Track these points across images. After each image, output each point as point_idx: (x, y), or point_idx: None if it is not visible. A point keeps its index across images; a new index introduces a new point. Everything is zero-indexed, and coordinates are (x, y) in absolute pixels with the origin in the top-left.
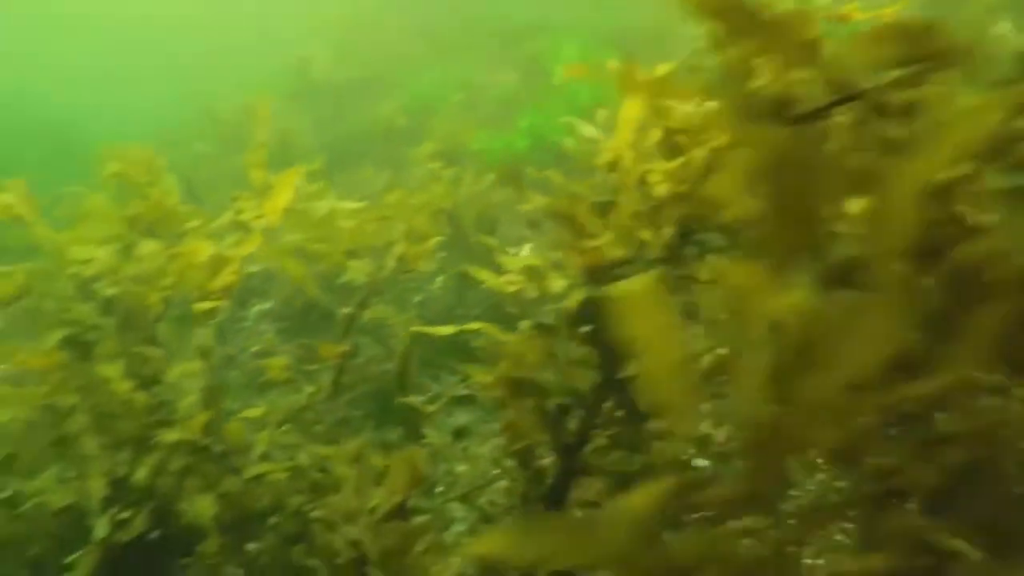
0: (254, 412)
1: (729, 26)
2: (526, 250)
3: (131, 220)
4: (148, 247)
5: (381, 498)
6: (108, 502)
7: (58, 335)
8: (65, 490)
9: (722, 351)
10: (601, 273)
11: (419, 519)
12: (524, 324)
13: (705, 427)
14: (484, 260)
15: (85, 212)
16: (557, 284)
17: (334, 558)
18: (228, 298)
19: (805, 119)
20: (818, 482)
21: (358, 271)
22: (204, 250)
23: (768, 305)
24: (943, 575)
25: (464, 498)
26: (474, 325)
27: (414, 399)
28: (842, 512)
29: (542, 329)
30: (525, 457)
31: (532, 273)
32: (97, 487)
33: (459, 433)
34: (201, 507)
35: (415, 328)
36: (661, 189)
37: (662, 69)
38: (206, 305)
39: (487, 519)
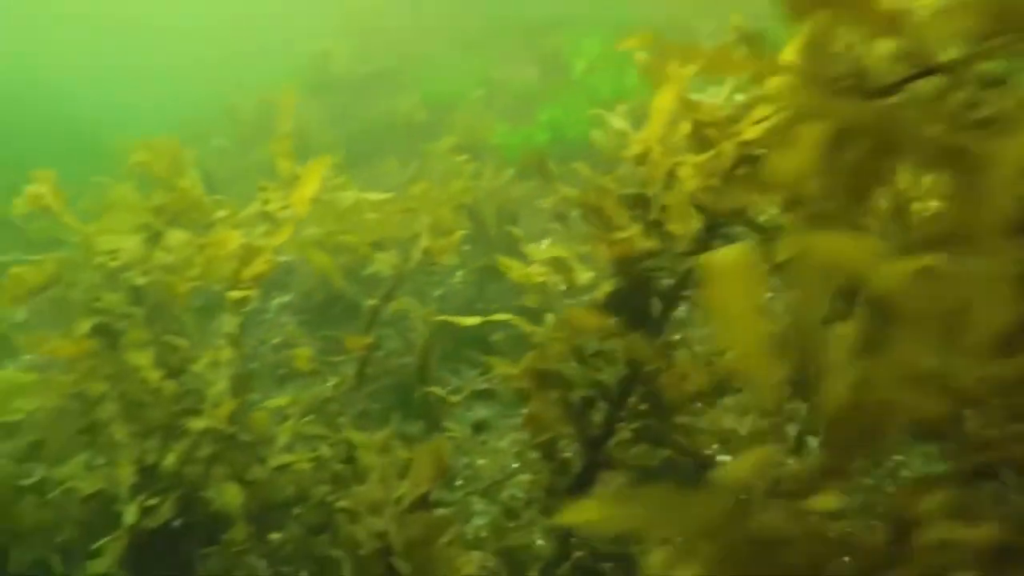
0: (279, 402)
1: None
2: (545, 245)
3: (158, 210)
4: (177, 237)
5: (406, 489)
6: (136, 489)
7: (88, 324)
8: (94, 477)
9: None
10: (629, 265)
11: (441, 512)
12: (549, 317)
13: (729, 421)
14: (505, 254)
15: (112, 202)
16: (584, 276)
17: (358, 549)
18: (258, 287)
19: (885, 92)
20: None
21: (384, 263)
22: (233, 240)
23: (872, 274)
24: None
25: (485, 492)
26: (500, 316)
27: (439, 390)
28: (934, 486)
29: (568, 321)
30: (549, 450)
31: (558, 265)
32: (126, 474)
33: (479, 427)
34: (229, 495)
35: (440, 318)
36: (690, 182)
37: (714, 45)
38: (237, 294)
39: (510, 513)
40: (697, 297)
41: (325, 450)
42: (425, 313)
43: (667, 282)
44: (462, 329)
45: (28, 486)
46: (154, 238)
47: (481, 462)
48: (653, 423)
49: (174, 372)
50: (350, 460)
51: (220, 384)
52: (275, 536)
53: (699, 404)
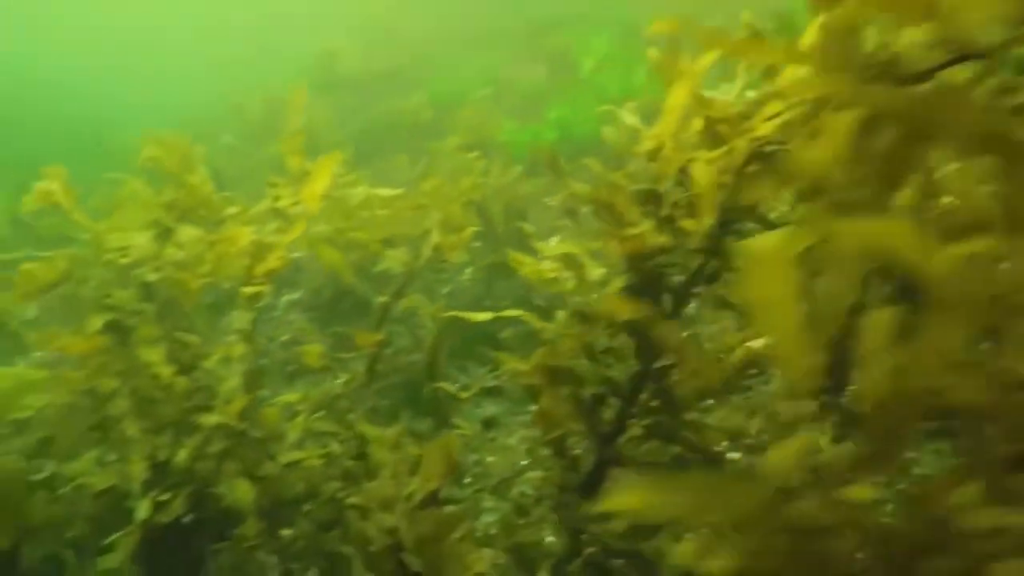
0: (290, 398)
1: None
2: (554, 242)
3: (169, 206)
4: (188, 233)
5: (417, 485)
6: (148, 485)
7: (100, 320)
8: (106, 473)
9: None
10: (641, 261)
11: (450, 508)
12: (560, 313)
13: (737, 419)
14: (514, 252)
15: (123, 198)
16: (595, 273)
17: (368, 545)
18: (271, 283)
19: (918, 79)
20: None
21: (394, 260)
22: (245, 236)
23: (918, 260)
24: None
25: (494, 489)
26: (511, 312)
27: (449, 386)
28: (972, 474)
29: (580, 317)
30: (560, 446)
31: (569, 261)
32: (138, 470)
33: (488, 424)
34: (240, 491)
35: (451, 313)
36: (703, 178)
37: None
38: (251, 290)
39: (520, 510)
40: (709, 293)
41: (335, 447)
42: (434, 310)
43: (678, 279)
44: (471, 326)
45: (39, 482)
46: (165, 234)
47: (491, 459)
48: (664, 420)
49: (185, 368)
50: (361, 456)
51: (233, 380)
52: (286, 532)
53: (710, 401)
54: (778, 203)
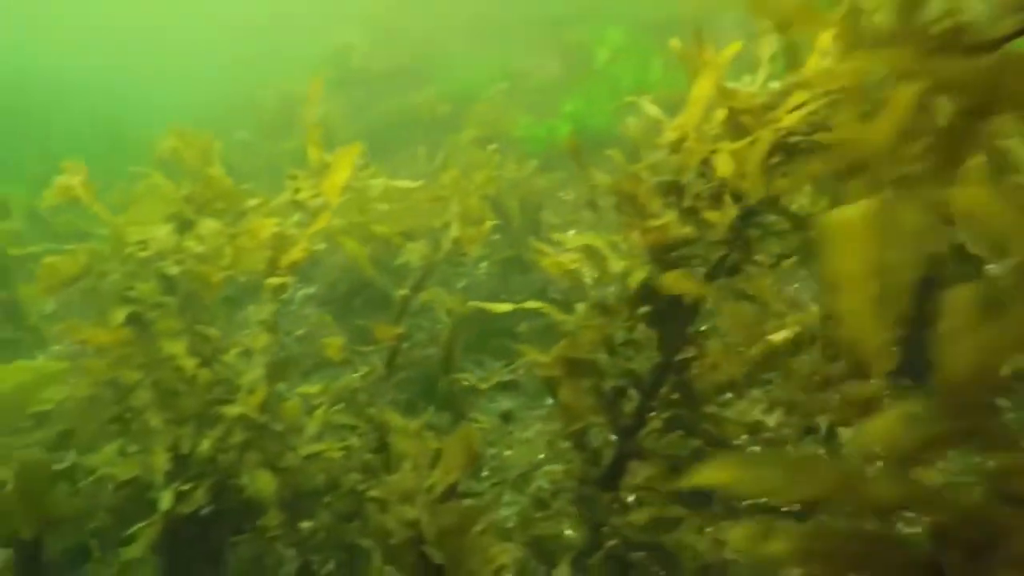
0: (311, 390)
1: None
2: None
3: (189, 199)
4: (208, 226)
5: (437, 478)
6: (171, 476)
7: (123, 313)
8: (128, 464)
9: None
10: (663, 253)
11: (469, 502)
12: (580, 306)
13: (756, 413)
14: (529, 246)
15: (144, 191)
16: (616, 265)
17: (388, 538)
18: (294, 275)
19: (987, 48)
20: None
21: (414, 253)
22: (267, 228)
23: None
24: None
25: (513, 482)
26: (532, 304)
27: (470, 377)
28: None
29: (600, 309)
30: (580, 439)
31: (590, 253)
32: (160, 461)
33: (505, 417)
34: (262, 482)
35: (472, 304)
36: (725, 169)
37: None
38: (275, 281)
39: (539, 504)
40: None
41: (355, 440)
42: (452, 303)
43: (700, 270)
44: (486, 321)
45: (61, 474)
46: (186, 227)
47: (508, 453)
48: (684, 413)
49: (207, 361)
50: (381, 449)
51: (255, 371)
52: (305, 524)
53: (729, 395)
54: (800, 195)
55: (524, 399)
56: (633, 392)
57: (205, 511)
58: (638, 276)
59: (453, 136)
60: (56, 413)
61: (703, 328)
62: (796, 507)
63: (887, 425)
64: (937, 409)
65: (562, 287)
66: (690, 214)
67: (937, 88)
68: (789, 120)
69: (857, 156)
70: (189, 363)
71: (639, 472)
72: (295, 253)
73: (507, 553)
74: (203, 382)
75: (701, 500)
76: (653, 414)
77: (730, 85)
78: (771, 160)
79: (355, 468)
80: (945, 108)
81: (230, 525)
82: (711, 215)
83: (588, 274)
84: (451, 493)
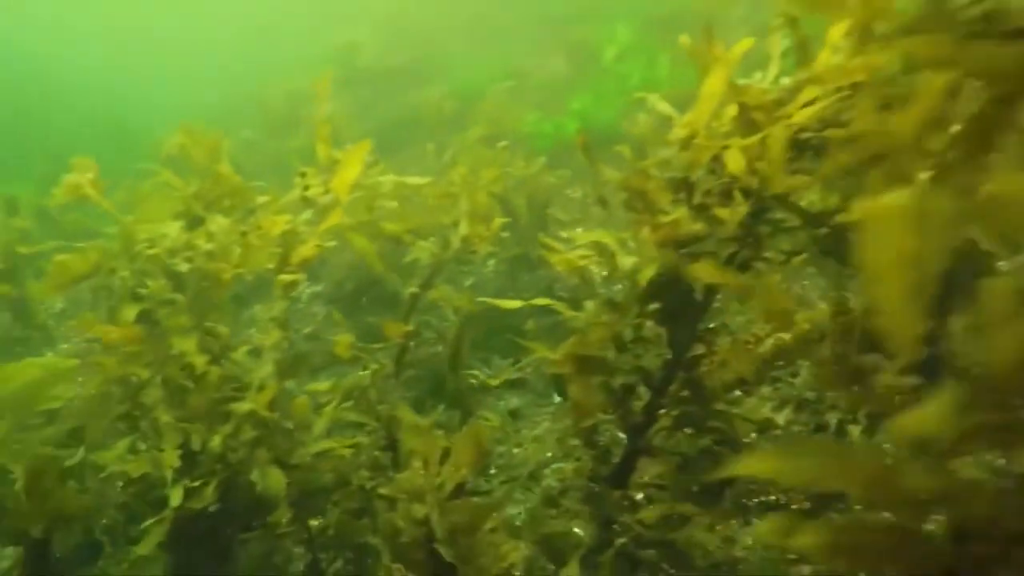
0: (321, 387)
1: None
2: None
3: (199, 196)
4: (218, 223)
5: (447, 475)
6: (180, 473)
7: (134, 310)
8: (138, 461)
9: None
10: (673, 250)
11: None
12: (589, 303)
13: (766, 411)
14: (538, 243)
15: (152, 189)
16: (626, 262)
17: (398, 536)
18: (305, 272)
19: (1020, 35)
20: None
21: (423, 251)
22: (278, 225)
23: None
24: None
25: (521, 480)
26: (541, 301)
27: (479, 373)
28: None
29: (610, 306)
30: (590, 437)
31: (600, 249)
32: (171, 458)
33: (512, 416)
34: (272, 478)
35: (481, 300)
36: (736, 166)
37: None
38: (287, 277)
39: (548, 501)
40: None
41: (363, 437)
42: (461, 301)
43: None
44: (493, 318)
45: (69, 472)
46: (195, 224)
47: (516, 451)
48: (695, 410)
49: (216, 358)
50: (390, 447)
51: (266, 368)
52: (314, 522)
53: (737, 392)
54: (810, 192)
55: (532, 397)
56: (643, 389)
57: (214, 508)
58: (648, 272)
59: (460, 134)
60: (65, 410)
61: (712, 325)
62: (807, 504)
63: (925, 416)
64: (976, 401)
65: (569, 285)
66: (700, 211)
67: (969, 75)
68: (801, 116)
69: (884, 146)
70: (199, 360)
71: (649, 469)
72: (307, 249)
73: (518, 551)
74: (213, 379)
75: (711, 497)
76: (663, 411)
77: (741, 81)
78: (783, 155)
79: (364, 466)
80: (975, 95)
81: (239, 522)
82: (721, 212)
83: (597, 271)
84: (460, 491)
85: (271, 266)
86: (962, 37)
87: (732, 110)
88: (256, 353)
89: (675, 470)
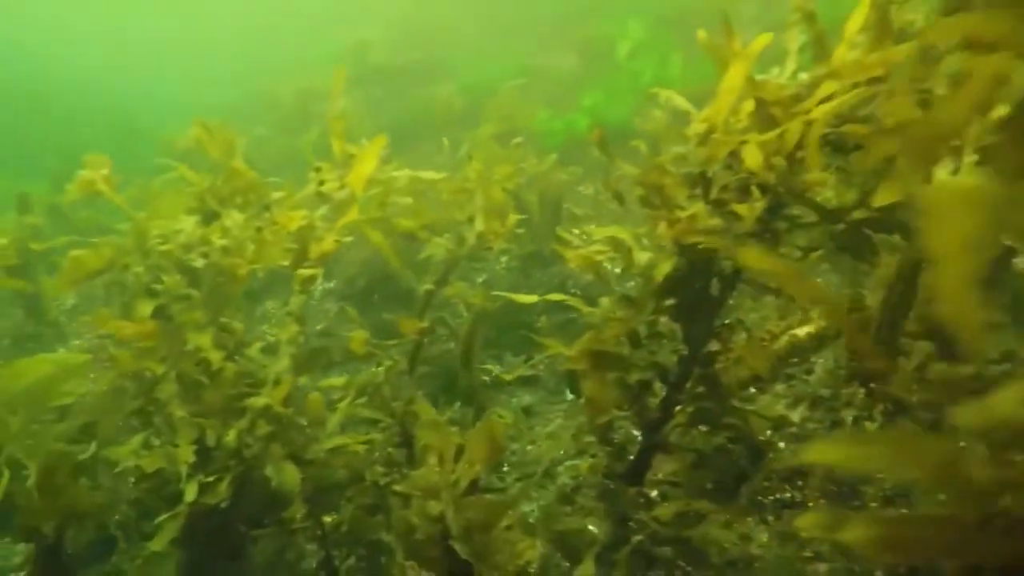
0: (336, 382)
1: None
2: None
3: (215, 191)
4: (235, 218)
5: (461, 471)
6: (195, 468)
7: (149, 306)
8: (153, 456)
9: None
10: (690, 245)
11: (491, 497)
12: (605, 299)
13: (780, 408)
14: (551, 241)
15: (166, 185)
16: (641, 257)
17: (412, 533)
18: (323, 266)
19: None
20: None
21: (438, 247)
22: (295, 220)
23: None
24: None
25: (533, 477)
26: (556, 296)
27: (494, 368)
28: None
29: (626, 302)
30: (605, 433)
31: (616, 245)
32: (186, 453)
33: (525, 412)
34: (287, 474)
35: (496, 294)
36: (753, 161)
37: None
38: (306, 272)
39: (563, 499)
40: (754, 278)
41: (377, 434)
42: (476, 298)
43: (727, 263)
44: (505, 316)
45: (82, 469)
46: (210, 219)
47: (530, 447)
48: (711, 406)
49: (231, 354)
50: (404, 443)
51: (282, 362)
52: (328, 519)
53: (752, 389)
54: (825, 188)
55: (544, 394)
56: (658, 385)
57: (227, 504)
58: (664, 268)
59: (471, 131)
60: (78, 406)
61: (727, 321)
62: (823, 502)
63: (996, 406)
64: None
65: (582, 282)
66: (717, 206)
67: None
68: (819, 111)
69: (934, 132)
70: (215, 356)
71: (663, 467)
72: (326, 244)
73: (534, 549)
74: (228, 375)
75: (726, 494)
76: (679, 408)
77: (759, 77)
78: (799, 152)
79: (378, 462)
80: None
81: (252, 519)
82: (739, 207)
83: (612, 267)
84: (474, 487)
85: (285, 262)
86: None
87: (749, 105)
88: (271, 349)
89: (690, 467)
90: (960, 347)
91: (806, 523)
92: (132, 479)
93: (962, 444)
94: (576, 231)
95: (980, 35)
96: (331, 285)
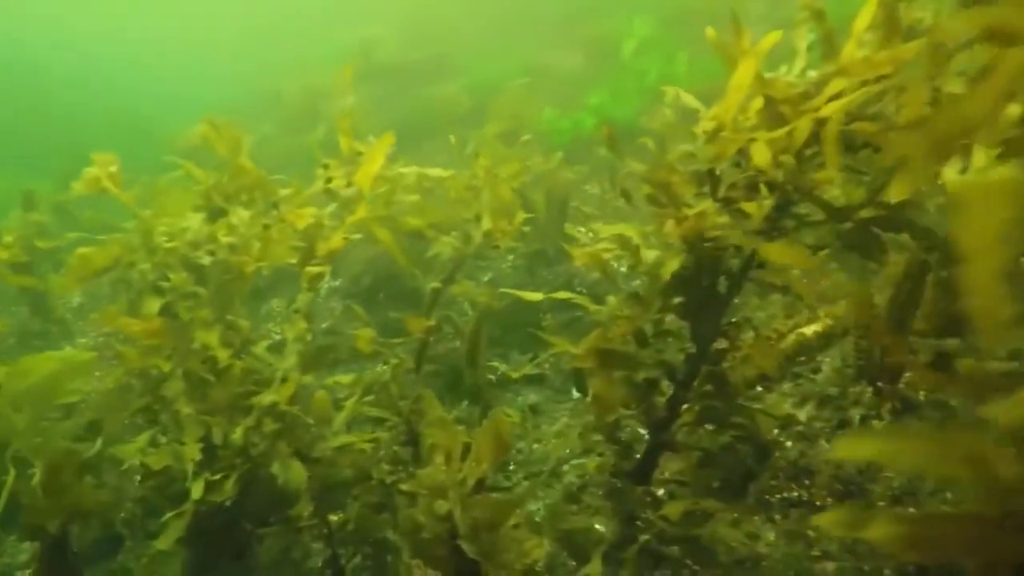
0: (344, 379)
1: None
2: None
3: (218, 188)
4: (241, 216)
5: (469, 469)
6: (200, 466)
7: (157, 303)
8: (159, 454)
9: None
10: (698, 243)
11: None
12: (611, 297)
13: (787, 407)
14: (554, 239)
15: (172, 183)
16: (649, 255)
17: (418, 532)
18: (330, 264)
19: None
20: None
21: (445, 245)
22: (304, 218)
23: None
24: None
25: (540, 476)
26: (563, 294)
27: (499, 367)
28: None
29: (633, 300)
30: (612, 432)
31: (623, 243)
32: (192, 451)
33: (532, 411)
34: (294, 471)
35: (503, 291)
36: (761, 159)
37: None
38: (313, 270)
39: (569, 497)
40: (761, 276)
41: (383, 432)
42: (483, 296)
43: (735, 261)
44: (510, 315)
45: (87, 467)
46: (217, 215)
47: (535, 446)
48: (718, 405)
49: (237, 351)
50: (410, 441)
51: (289, 360)
52: (334, 518)
53: (759, 388)
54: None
55: (550, 393)
56: (665, 384)
57: (233, 503)
58: (671, 266)
59: (477, 130)
60: (84, 404)
61: (735, 320)
62: (829, 500)
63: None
64: None
65: (588, 280)
66: (725, 204)
67: None
68: (831, 108)
69: (958, 126)
70: (223, 354)
71: (671, 465)
72: (334, 242)
73: (541, 548)
74: (235, 373)
75: (734, 493)
76: (686, 406)
77: (768, 75)
78: (808, 150)
79: (384, 460)
80: None
81: (258, 517)
82: (747, 205)
83: (618, 265)
84: (481, 486)
85: (292, 260)
86: None
87: (758, 103)
88: (277, 347)
89: (697, 466)
90: (982, 341)
91: (827, 521)
92: (138, 477)
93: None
94: (583, 229)
95: (1003, 27)
96: (336, 283)
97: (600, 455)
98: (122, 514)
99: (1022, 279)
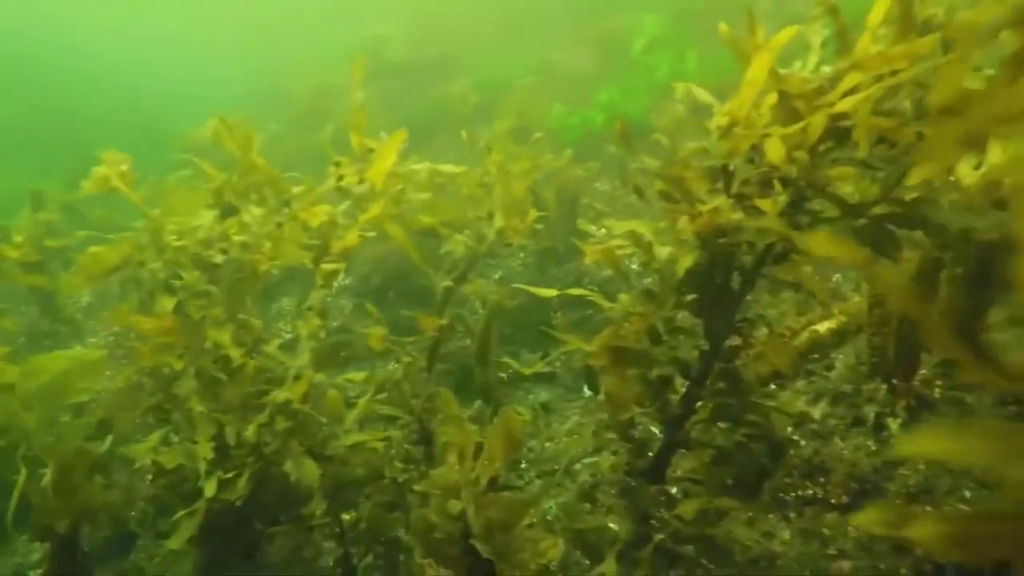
0: (356, 377)
1: None
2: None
3: (229, 186)
4: (254, 214)
5: (481, 468)
6: (213, 464)
7: (170, 302)
8: (171, 452)
9: None
10: (711, 239)
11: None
12: (623, 295)
13: (801, 404)
14: (565, 236)
15: (182, 181)
16: (662, 252)
17: (431, 531)
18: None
19: None
20: None
21: (458, 243)
22: (319, 216)
23: None
24: None
25: (552, 474)
26: (576, 291)
27: (511, 364)
28: None
29: (646, 296)
30: (625, 430)
31: (636, 239)
32: (205, 449)
33: (544, 409)
34: (307, 469)
35: (516, 286)
36: (775, 155)
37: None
38: (328, 267)
39: (583, 496)
40: (774, 273)
41: (396, 431)
42: (496, 294)
43: (748, 257)
44: (520, 313)
45: (97, 466)
46: (228, 213)
47: (547, 444)
48: (732, 402)
49: (249, 350)
50: (423, 440)
51: (302, 357)
52: (346, 516)
53: (772, 385)
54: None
55: (561, 391)
56: (679, 381)
57: (245, 501)
58: (685, 262)
59: (488, 127)
60: (94, 403)
61: (748, 316)
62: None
63: None
64: None
65: (599, 278)
66: (739, 200)
67: None
68: (844, 104)
69: (994, 114)
70: (235, 352)
71: (684, 463)
72: (349, 239)
73: (556, 547)
74: (248, 371)
75: (748, 492)
76: (700, 404)
77: (781, 71)
78: (821, 146)
79: (397, 459)
80: None
81: (270, 516)
82: (760, 201)
83: (631, 262)
84: (494, 484)
85: (304, 258)
86: None
87: (772, 99)
88: (288, 346)
89: (711, 464)
90: None
91: (867, 520)
92: (150, 476)
93: None
94: (594, 227)
95: None
96: (346, 282)
97: (613, 453)
98: (134, 513)
99: None
